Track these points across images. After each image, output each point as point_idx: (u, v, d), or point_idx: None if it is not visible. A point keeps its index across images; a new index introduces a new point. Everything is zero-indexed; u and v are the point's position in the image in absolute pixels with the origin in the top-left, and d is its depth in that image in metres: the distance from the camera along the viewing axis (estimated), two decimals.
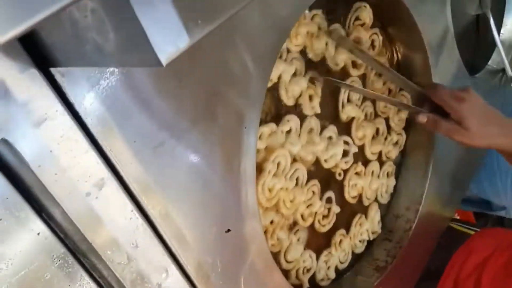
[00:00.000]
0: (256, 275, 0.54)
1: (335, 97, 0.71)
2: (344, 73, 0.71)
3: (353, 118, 0.75)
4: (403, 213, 0.85)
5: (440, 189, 0.89)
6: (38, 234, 0.38)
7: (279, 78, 0.59)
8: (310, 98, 0.65)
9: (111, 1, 0.23)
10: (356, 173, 0.78)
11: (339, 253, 0.78)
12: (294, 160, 0.65)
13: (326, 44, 0.66)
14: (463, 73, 0.89)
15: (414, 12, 0.72)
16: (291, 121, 0.62)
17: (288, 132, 0.62)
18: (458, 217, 1.82)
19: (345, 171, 0.76)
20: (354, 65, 0.72)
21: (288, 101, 0.62)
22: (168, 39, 0.23)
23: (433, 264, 0.93)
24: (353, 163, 0.76)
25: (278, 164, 0.61)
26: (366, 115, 0.78)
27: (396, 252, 0.81)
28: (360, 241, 0.83)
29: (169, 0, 0.23)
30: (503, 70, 1.02)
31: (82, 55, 0.28)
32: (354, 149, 0.74)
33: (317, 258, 0.74)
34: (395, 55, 0.81)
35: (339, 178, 0.75)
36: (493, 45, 1.01)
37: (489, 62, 1.06)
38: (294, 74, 0.61)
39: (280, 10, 0.50)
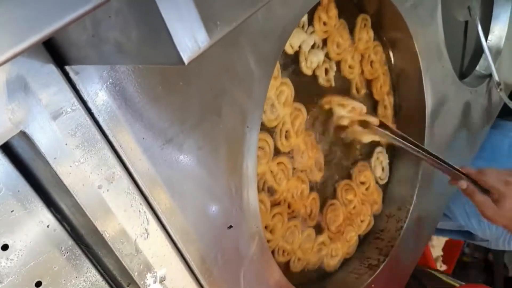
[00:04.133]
0: (255, 271, 0.55)
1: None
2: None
3: None
4: (395, 213, 0.87)
5: (430, 190, 0.92)
6: (48, 226, 0.39)
7: (300, 47, 0.64)
8: (326, 71, 0.70)
9: (137, 0, 0.25)
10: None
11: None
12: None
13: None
14: (452, 78, 0.92)
15: (407, 19, 0.74)
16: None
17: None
18: (444, 268, 1.87)
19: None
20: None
21: (307, 70, 0.67)
22: (190, 39, 0.25)
23: None
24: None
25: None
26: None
27: (388, 250, 0.83)
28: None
29: (191, 2, 0.25)
30: (490, 75, 1.05)
31: (101, 53, 0.30)
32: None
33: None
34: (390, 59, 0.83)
35: None
36: (481, 51, 1.04)
37: (477, 67, 1.09)
38: (313, 47, 0.67)
39: (280, 15, 0.52)
